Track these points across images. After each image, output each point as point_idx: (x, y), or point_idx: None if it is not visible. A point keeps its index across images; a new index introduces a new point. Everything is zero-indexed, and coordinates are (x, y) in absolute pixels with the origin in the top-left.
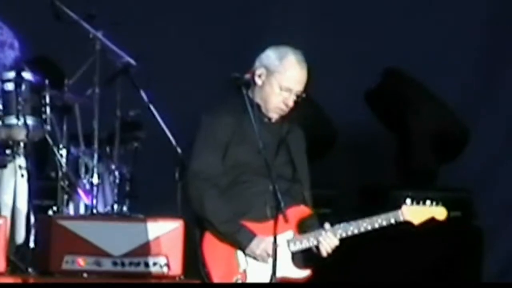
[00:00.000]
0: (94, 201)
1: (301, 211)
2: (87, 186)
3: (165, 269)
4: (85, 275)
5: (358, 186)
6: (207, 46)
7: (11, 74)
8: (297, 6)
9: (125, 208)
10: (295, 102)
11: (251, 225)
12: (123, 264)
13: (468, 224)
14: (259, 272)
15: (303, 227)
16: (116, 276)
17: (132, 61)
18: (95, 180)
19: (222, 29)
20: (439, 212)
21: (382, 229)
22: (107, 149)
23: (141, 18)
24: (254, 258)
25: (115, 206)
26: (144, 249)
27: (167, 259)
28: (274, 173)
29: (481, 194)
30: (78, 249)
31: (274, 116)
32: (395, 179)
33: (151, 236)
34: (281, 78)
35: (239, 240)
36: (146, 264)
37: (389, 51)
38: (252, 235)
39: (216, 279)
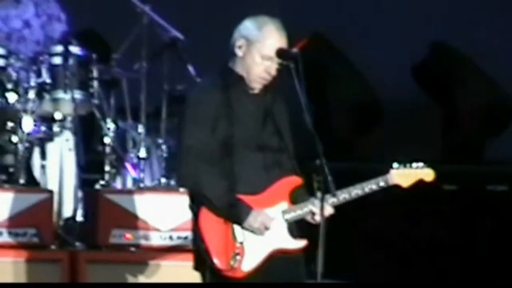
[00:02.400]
0: (142, 175)
1: (293, 181)
2: (135, 160)
3: None
4: (132, 249)
5: (403, 159)
6: None
7: (59, 48)
8: None
9: (172, 182)
10: (278, 70)
11: (245, 198)
12: (171, 238)
13: None
14: (256, 246)
15: (295, 197)
16: (164, 250)
17: (180, 35)
18: (142, 154)
19: (272, 3)
20: (427, 174)
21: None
22: (155, 123)
23: None
24: (251, 231)
25: (163, 180)
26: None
27: None
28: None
29: None
30: (126, 223)
31: (257, 86)
32: (441, 153)
33: None
34: (261, 47)
35: (236, 214)
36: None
37: (434, 25)
38: (249, 209)
39: (215, 254)
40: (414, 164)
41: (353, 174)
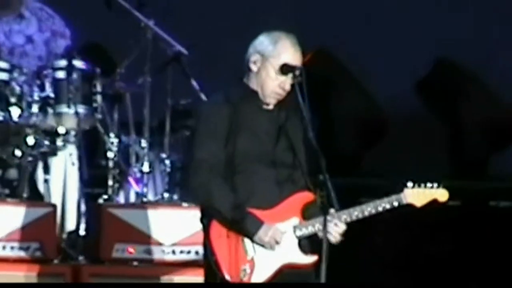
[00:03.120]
0: (145, 190)
1: (305, 197)
2: (138, 175)
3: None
4: (135, 263)
5: (409, 175)
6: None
7: (63, 62)
8: None
9: (175, 197)
10: (291, 85)
11: (256, 213)
12: (173, 253)
13: None
14: (266, 260)
15: (307, 213)
16: (167, 264)
17: (184, 50)
18: (145, 168)
19: (274, 19)
20: (441, 194)
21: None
22: (158, 137)
23: (193, 6)
24: (262, 245)
25: (166, 195)
26: (194, 238)
27: None
28: (278, 161)
29: None
30: (129, 237)
31: (271, 101)
32: (446, 169)
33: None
34: (277, 63)
35: (247, 228)
36: (197, 253)
37: (440, 40)
38: (259, 223)
39: (225, 267)
40: (429, 184)
41: (357, 189)
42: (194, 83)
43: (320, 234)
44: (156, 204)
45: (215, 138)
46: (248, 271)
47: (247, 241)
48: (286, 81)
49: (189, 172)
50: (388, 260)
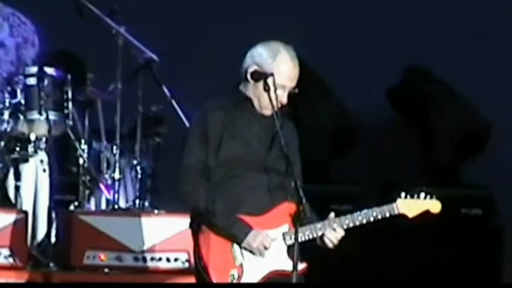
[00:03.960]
0: (116, 196)
1: (295, 204)
2: (109, 181)
3: (186, 265)
4: (106, 270)
5: (380, 183)
6: (233, 41)
7: (34, 69)
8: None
9: (146, 203)
10: (288, 98)
11: (246, 219)
12: (144, 260)
13: (489, 223)
14: (255, 266)
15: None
16: (137, 271)
17: (155, 57)
18: (116, 175)
19: (244, 26)
20: (434, 205)
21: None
22: (129, 144)
23: (164, 13)
24: (251, 251)
25: (137, 201)
26: (165, 245)
27: (189, 255)
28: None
29: (503, 192)
30: (99, 244)
31: (267, 113)
32: (417, 176)
33: (173, 231)
34: (275, 77)
35: (235, 234)
36: (168, 260)
37: (412, 49)
38: (248, 229)
39: (213, 272)
40: (422, 195)
41: (328, 197)
42: (165, 89)
43: (319, 241)
44: (127, 211)
45: (205, 145)
46: (237, 276)
47: (236, 247)
48: (284, 95)
49: (178, 177)
50: (358, 267)
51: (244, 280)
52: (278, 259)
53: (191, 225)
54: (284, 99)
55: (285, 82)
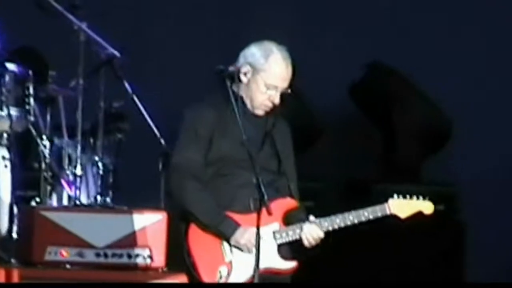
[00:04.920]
0: (77, 192)
1: (287, 203)
2: (71, 177)
3: (148, 261)
4: (68, 266)
5: (343, 179)
6: (194, 38)
7: None
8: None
9: (108, 200)
10: (281, 97)
11: (235, 217)
12: (106, 256)
13: (451, 219)
14: (244, 263)
15: (289, 219)
16: (99, 267)
17: (116, 53)
18: (78, 171)
19: (209, 21)
20: (426, 206)
21: (365, 224)
22: (91, 140)
23: (126, 9)
24: (239, 248)
25: (98, 198)
26: (127, 241)
27: (150, 251)
28: (258, 166)
29: (465, 188)
30: (61, 240)
31: (260, 112)
32: (380, 173)
33: (134, 227)
34: (267, 77)
35: (222, 231)
36: (129, 256)
37: (374, 45)
38: (236, 225)
39: (202, 269)
40: (415, 196)
41: None
42: (126, 85)
43: (305, 241)
44: (88, 207)
45: (194, 143)
46: (225, 273)
47: (226, 244)
48: (276, 95)
49: (168, 176)
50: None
51: (233, 277)
52: (268, 257)
53: (180, 223)
54: (276, 99)
55: (277, 83)
